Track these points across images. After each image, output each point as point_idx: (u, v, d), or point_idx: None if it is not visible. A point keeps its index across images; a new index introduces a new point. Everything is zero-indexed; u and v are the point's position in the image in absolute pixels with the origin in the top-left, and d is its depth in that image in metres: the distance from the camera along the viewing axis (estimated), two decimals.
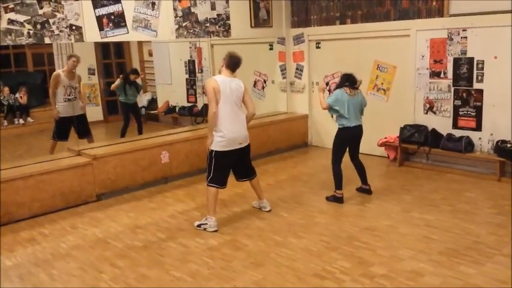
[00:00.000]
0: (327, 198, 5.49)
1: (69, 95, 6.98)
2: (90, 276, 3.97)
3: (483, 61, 6.06)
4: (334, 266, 3.93)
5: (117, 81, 8.46)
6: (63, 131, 7.10)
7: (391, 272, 3.78)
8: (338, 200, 5.39)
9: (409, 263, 3.92)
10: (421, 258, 4.00)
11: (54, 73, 7.00)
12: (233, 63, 4.78)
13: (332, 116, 5.54)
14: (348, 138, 5.41)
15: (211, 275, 3.89)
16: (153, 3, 6.27)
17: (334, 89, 5.47)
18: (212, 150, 4.76)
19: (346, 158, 5.52)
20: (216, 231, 4.72)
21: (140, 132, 8.64)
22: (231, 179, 5.02)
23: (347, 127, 5.30)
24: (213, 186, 4.78)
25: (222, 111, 4.67)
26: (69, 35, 5.60)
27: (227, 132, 4.68)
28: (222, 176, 4.82)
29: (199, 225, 4.83)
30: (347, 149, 5.49)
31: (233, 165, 4.94)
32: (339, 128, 5.38)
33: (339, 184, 5.40)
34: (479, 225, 4.65)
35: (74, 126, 7.09)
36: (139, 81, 9.06)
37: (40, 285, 3.85)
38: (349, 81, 5.33)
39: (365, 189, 5.66)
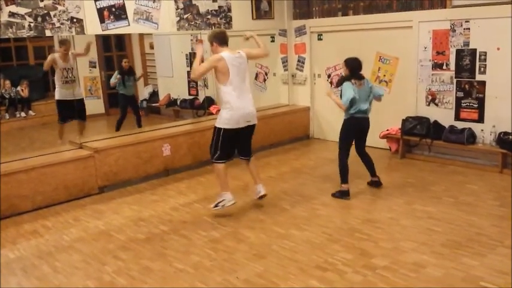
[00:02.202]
0: (333, 195, 5.38)
1: (67, 77, 7.11)
2: (94, 268, 3.98)
3: (486, 52, 6.03)
4: (336, 257, 3.94)
5: (115, 75, 8.48)
6: (66, 112, 7.27)
7: (393, 263, 3.79)
8: (344, 194, 5.30)
9: (411, 254, 3.93)
10: (423, 250, 4.00)
11: (50, 55, 7.22)
12: (221, 38, 4.71)
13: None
14: (356, 128, 5.32)
15: (214, 267, 3.90)
16: None
17: (341, 82, 5.27)
18: (220, 128, 4.73)
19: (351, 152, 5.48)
20: (234, 203, 4.76)
21: (139, 125, 8.64)
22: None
23: (353, 117, 5.22)
24: (220, 163, 4.79)
25: (231, 89, 4.64)
26: (70, 28, 5.59)
27: (236, 109, 4.67)
28: (229, 151, 4.85)
29: (216, 205, 4.83)
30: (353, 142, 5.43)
31: (239, 141, 4.95)
32: (345, 119, 5.29)
33: (345, 178, 5.31)
34: (482, 217, 4.65)
35: (74, 109, 7.20)
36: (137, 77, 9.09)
37: (43, 278, 3.87)
38: (354, 69, 5.18)
39: (375, 182, 5.60)
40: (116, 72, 8.52)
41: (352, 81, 5.16)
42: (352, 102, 5.12)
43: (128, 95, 8.60)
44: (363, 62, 5.28)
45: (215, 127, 4.80)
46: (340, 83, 5.31)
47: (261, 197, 5.16)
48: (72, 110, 7.19)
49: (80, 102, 7.51)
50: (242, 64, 4.72)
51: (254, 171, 5.16)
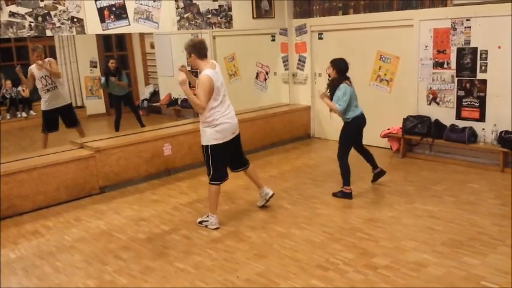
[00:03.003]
0: (334, 195, 5.37)
1: (46, 85, 7.00)
2: (95, 268, 3.99)
3: (487, 51, 6.01)
4: (337, 257, 3.94)
5: (102, 79, 8.53)
6: (51, 123, 7.20)
7: (394, 263, 3.79)
8: (347, 195, 5.27)
9: (412, 254, 3.93)
10: (425, 249, 4.00)
11: (28, 68, 7.00)
12: (199, 50, 4.48)
13: (331, 117, 5.44)
14: (358, 128, 5.31)
15: (215, 266, 3.90)
16: None
17: (335, 84, 5.17)
18: (207, 146, 4.56)
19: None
20: (217, 228, 4.65)
21: (141, 123, 8.65)
22: (232, 174, 4.99)
23: (356, 117, 5.20)
24: (215, 184, 4.64)
25: (215, 106, 4.49)
26: (70, 28, 5.59)
27: (222, 124, 4.53)
28: (222, 170, 4.68)
29: (200, 222, 4.75)
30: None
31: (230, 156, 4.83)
32: (348, 122, 5.22)
33: (347, 179, 5.27)
34: (483, 216, 4.64)
35: (61, 117, 7.19)
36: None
37: (44, 278, 3.87)
38: (343, 71, 5.12)
39: (378, 173, 5.59)
40: (103, 77, 8.56)
41: (347, 81, 5.14)
42: (350, 105, 5.11)
43: (119, 94, 8.57)
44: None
45: (203, 146, 4.63)
46: (332, 86, 5.19)
47: (270, 198, 5.12)
48: (57, 120, 7.16)
49: (67, 109, 7.29)
50: (220, 76, 4.57)
51: (254, 176, 5.09)
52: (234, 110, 4.72)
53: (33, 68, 6.93)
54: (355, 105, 5.20)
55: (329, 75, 5.31)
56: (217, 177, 4.64)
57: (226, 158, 4.74)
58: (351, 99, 5.11)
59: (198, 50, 4.48)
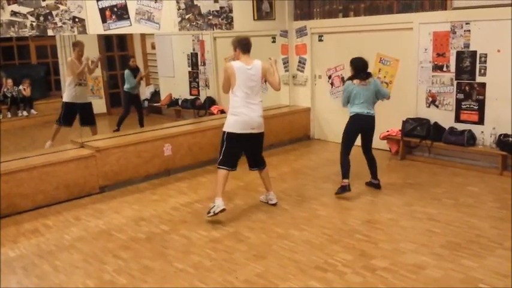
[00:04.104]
0: (337, 193, 5.35)
1: (80, 80, 7.18)
2: (94, 267, 4.00)
3: (486, 54, 6.04)
4: (335, 258, 3.95)
5: (128, 74, 8.68)
6: (70, 116, 7.22)
7: (392, 265, 3.80)
8: (344, 188, 5.29)
9: (411, 256, 3.94)
10: (423, 251, 4.02)
11: (69, 59, 7.19)
12: (244, 45, 4.84)
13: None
14: (357, 126, 5.36)
15: (214, 266, 3.91)
16: None
17: (346, 81, 5.53)
18: (224, 132, 4.87)
19: (356, 151, 5.49)
20: (223, 210, 4.73)
21: (141, 124, 8.66)
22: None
23: (356, 113, 5.27)
24: (223, 169, 4.85)
25: (237, 95, 4.78)
26: (72, 27, 5.61)
27: (241, 115, 4.78)
28: (232, 158, 4.89)
29: (209, 212, 4.80)
30: (355, 140, 5.44)
31: (246, 151, 5.02)
32: (350, 116, 5.39)
33: (345, 173, 5.32)
34: (482, 219, 4.66)
35: (80, 113, 7.18)
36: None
37: (44, 277, 3.88)
38: (358, 69, 5.31)
39: (374, 184, 5.61)
40: (127, 71, 8.66)
41: (354, 81, 5.23)
42: (349, 100, 5.32)
43: (132, 93, 8.67)
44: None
45: (222, 131, 4.92)
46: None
47: (271, 204, 5.21)
48: (75, 115, 7.18)
49: (89, 107, 7.48)
50: (254, 75, 4.82)
51: (266, 179, 5.22)
52: (260, 110, 4.92)
53: (75, 60, 7.14)
54: (358, 104, 5.29)
55: None
56: (226, 163, 4.86)
57: (238, 150, 4.96)
58: (354, 97, 5.28)
59: (242, 45, 4.86)
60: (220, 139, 4.95)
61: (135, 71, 8.74)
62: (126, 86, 8.63)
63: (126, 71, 8.72)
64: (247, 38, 4.92)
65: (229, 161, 4.88)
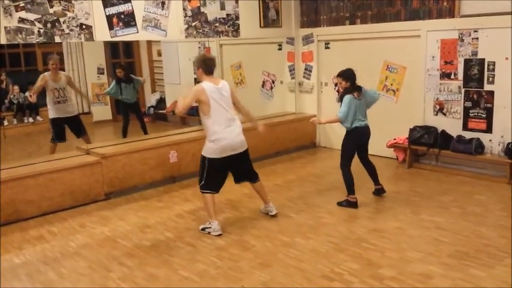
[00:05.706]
0: (339, 204, 5.35)
1: (58, 98, 6.96)
2: (99, 275, 3.98)
3: (494, 62, 6.00)
4: (342, 267, 3.91)
5: (112, 85, 8.51)
6: (60, 131, 7.16)
7: (400, 274, 3.76)
8: (352, 204, 5.25)
9: (418, 265, 3.89)
10: (431, 260, 3.97)
11: (41, 76, 6.95)
12: (207, 66, 4.61)
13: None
14: (359, 139, 5.31)
15: (219, 275, 3.88)
16: (163, 3, 6.28)
17: (343, 95, 5.23)
18: (204, 157, 4.66)
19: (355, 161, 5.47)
20: (220, 235, 4.65)
21: (145, 131, 8.65)
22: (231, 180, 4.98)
23: (357, 127, 5.20)
24: (207, 193, 4.71)
25: (213, 118, 4.55)
26: (79, 34, 5.62)
27: (221, 140, 4.57)
28: (215, 182, 4.72)
29: (203, 229, 4.76)
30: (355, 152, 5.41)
31: (231, 169, 4.83)
32: (348, 131, 5.25)
33: (351, 189, 5.26)
34: (490, 227, 4.61)
35: (68, 127, 7.17)
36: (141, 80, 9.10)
37: (49, 284, 3.87)
38: (353, 83, 5.18)
39: (379, 189, 5.58)
40: (113, 83, 8.49)
41: (355, 94, 5.16)
42: (350, 115, 5.11)
43: (127, 102, 8.58)
44: (370, 71, 5.29)
45: (201, 155, 4.71)
46: (342, 98, 5.22)
47: (270, 215, 5.12)
48: (64, 129, 7.12)
49: (76, 118, 7.32)
50: (225, 94, 4.60)
51: (261, 191, 5.08)
52: (240, 127, 4.70)
53: (47, 76, 6.86)
54: (359, 118, 5.19)
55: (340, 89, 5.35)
56: (209, 187, 4.70)
57: (221, 173, 4.75)
58: (355, 111, 5.12)
59: (205, 65, 4.61)
60: (200, 161, 4.74)
61: (125, 81, 8.39)
62: (120, 96, 8.57)
63: (113, 83, 8.51)
64: (212, 59, 4.70)
65: (213, 186, 4.71)
